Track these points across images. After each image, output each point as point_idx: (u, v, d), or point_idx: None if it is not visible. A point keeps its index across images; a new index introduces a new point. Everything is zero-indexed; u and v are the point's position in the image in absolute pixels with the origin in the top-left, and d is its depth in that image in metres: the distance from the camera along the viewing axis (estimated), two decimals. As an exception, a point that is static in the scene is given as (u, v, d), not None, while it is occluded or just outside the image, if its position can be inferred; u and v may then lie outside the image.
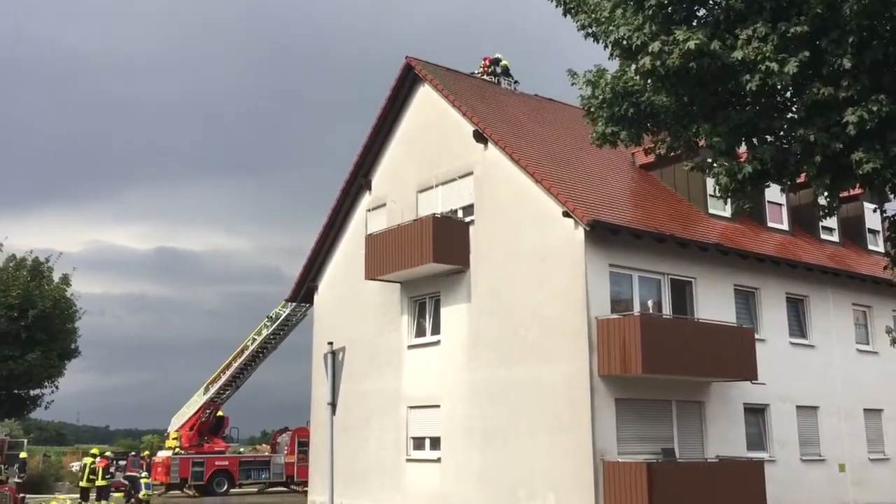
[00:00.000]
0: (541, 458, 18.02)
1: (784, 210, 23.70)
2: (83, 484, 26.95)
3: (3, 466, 35.16)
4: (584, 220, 17.53)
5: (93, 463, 27.43)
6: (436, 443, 21.02)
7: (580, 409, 17.30)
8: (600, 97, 11.21)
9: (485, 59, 26.21)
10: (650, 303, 18.67)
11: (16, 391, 23.13)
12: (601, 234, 17.93)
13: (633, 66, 10.46)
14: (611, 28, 10.29)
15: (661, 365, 17.20)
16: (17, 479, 31.52)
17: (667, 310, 19.15)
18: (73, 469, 52.42)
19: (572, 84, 11.65)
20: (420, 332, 22.26)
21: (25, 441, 47.21)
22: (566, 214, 18.12)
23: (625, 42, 10.15)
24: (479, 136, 20.93)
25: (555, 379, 18.01)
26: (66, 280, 22.60)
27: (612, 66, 11.25)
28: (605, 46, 10.59)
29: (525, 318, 19.00)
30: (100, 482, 27.07)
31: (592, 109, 11.51)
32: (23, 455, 34.65)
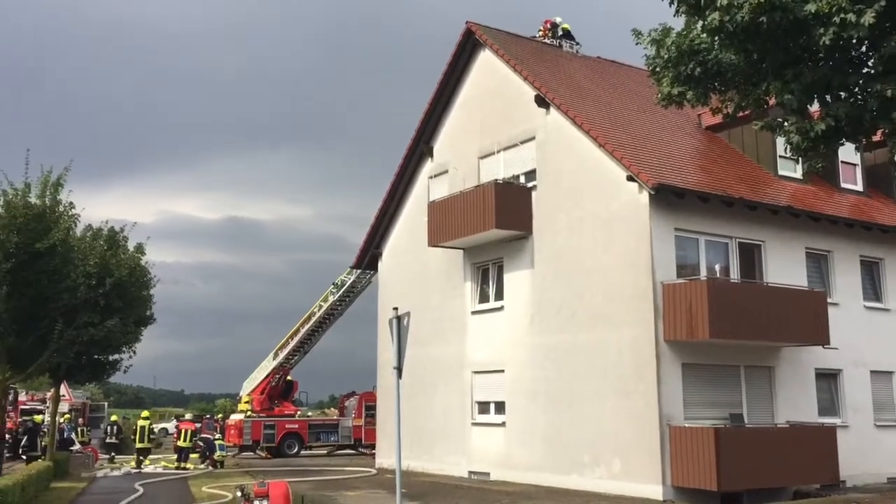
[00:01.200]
0: (606, 422, 18.02)
1: (858, 170, 22.90)
2: (139, 445, 28.00)
3: (86, 428, 36.77)
4: (649, 183, 17.27)
5: (150, 425, 28.48)
6: (500, 407, 21.18)
7: (646, 374, 17.21)
8: (665, 56, 10.97)
9: (545, 22, 25.82)
10: (717, 267, 18.34)
11: (96, 356, 23.99)
12: (666, 198, 17.65)
13: (700, 23, 10.18)
14: (677, -16, 10.03)
15: (728, 330, 16.94)
16: (113, 440, 32.86)
17: (735, 274, 18.80)
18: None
19: (637, 44, 11.42)
20: (483, 297, 22.35)
21: (106, 404, 49.28)
22: (630, 178, 17.88)
23: (692, -1, 9.88)
24: (541, 101, 20.72)
25: (620, 344, 17.92)
26: (140, 249, 23.20)
27: (678, 23, 10.98)
28: (671, 3, 10.33)
29: (589, 283, 18.90)
30: (183, 444, 28.15)
31: (657, 69, 11.27)
32: (114, 418, 35.94)
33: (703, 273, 18.02)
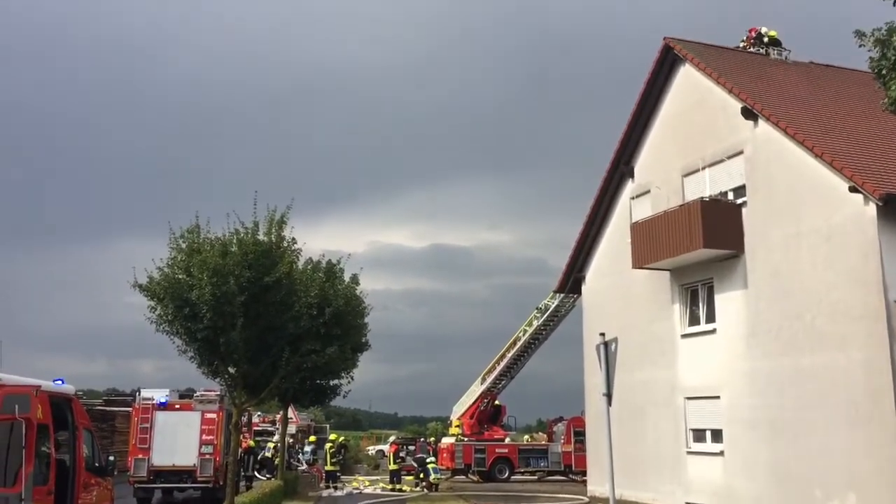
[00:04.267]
0: (838, 453, 16.67)
1: None
2: (328, 468, 29.19)
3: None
4: (876, 194, 15.93)
5: (332, 447, 29.61)
6: (717, 435, 20.22)
7: (882, 401, 15.75)
8: (893, 58, 10.11)
9: (750, 31, 24.66)
10: (963, 282, 16.46)
11: (319, 381, 25.59)
12: (897, 209, 16.18)
13: (930, 20, 9.31)
14: (900, -19, 9.24)
15: (980, 352, 15.15)
16: (338, 460, 34.73)
17: (985, 289, 16.79)
18: (370, 453, 57.20)
19: (860, 46, 10.61)
20: (693, 320, 21.52)
21: (328, 426, 52.25)
22: (853, 189, 16.58)
23: (918, -5, 9.07)
24: (748, 113, 19.79)
25: (849, 368, 16.56)
26: (355, 280, 24.52)
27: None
28: (895, 3, 9.53)
29: (811, 302, 17.67)
30: (392, 466, 29.33)
31: (884, 72, 10.40)
32: (337, 438, 37.19)
33: (946, 289, 16.26)
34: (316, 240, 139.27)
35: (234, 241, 21.58)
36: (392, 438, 37.57)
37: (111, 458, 13.80)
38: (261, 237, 21.83)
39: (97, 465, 12.78)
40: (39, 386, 10.65)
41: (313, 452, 36.08)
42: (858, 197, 16.55)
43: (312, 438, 38.04)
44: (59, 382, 12.03)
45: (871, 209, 16.27)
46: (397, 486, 28.60)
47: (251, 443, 31.13)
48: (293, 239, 23.29)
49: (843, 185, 16.84)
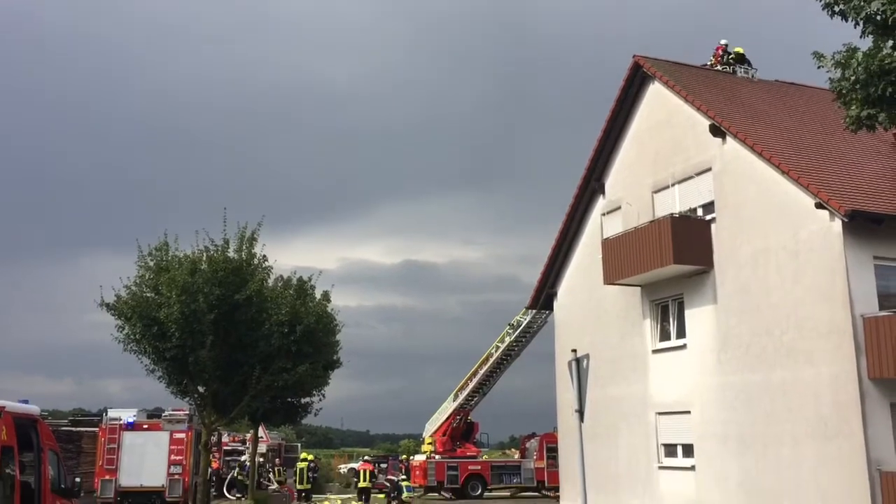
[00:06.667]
0: (806, 467, 16.83)
1: None
2: (299, 486, 29.05)
3: (282, 468, 38.67)
4: (841, 210, 16.19)
5: (306, 465, 29.47)
6: (688, 450, 20.33)
7: (849, 416, 15.95)
8: (852, 78, 10.31)
9: (717, 48, 25.02)
10: (927, 296, 16.79)
11: (289, 399, 25.42)
12: (862, 225, 16.45)
13: (890, 42, 9.53)
14: (861, 3, 9.46)
15: (944, 365, 15.40)
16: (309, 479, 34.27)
17: (948, 303, 17.12)
18: (342, 471, 56.72)
19: (819, 67, 10.82)
20: (664, 335, 21.66)
21: (299, 445, 51.69)
22: (819, 206, 16.84)
23: (879, 17, 9.29)
24: (716, 130, 20.05)
25: (817, 382, 16.76)
26: (326, 297, 24.40)
27: (864, 44, 10.32)
28: (856, 24, 9.75)
29: (779, 318, 17.87)
30: (363, 484, 29.04)
31: (844, 92, 10.61)
32: (309, 456, 36.87)
33: (911, 304, 16.56)
34: (287, 257, 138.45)
35: (204, 258, 21.43)
36: (366, 457, 37.27)
37: (77, 479, 13.57)
38: (231, 254, 21.71)
39: (63, 486, 12.55)
40: (4, 407, 10.46)
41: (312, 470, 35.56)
42: (825, 213, 16.81)
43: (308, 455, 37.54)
44: (25, 403, 11.83)
45: (837, 225, 16.53)
46: (367, 506, 28.34)
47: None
48: (264, 256, 23.22)
49: (810, 202, 17.11)
